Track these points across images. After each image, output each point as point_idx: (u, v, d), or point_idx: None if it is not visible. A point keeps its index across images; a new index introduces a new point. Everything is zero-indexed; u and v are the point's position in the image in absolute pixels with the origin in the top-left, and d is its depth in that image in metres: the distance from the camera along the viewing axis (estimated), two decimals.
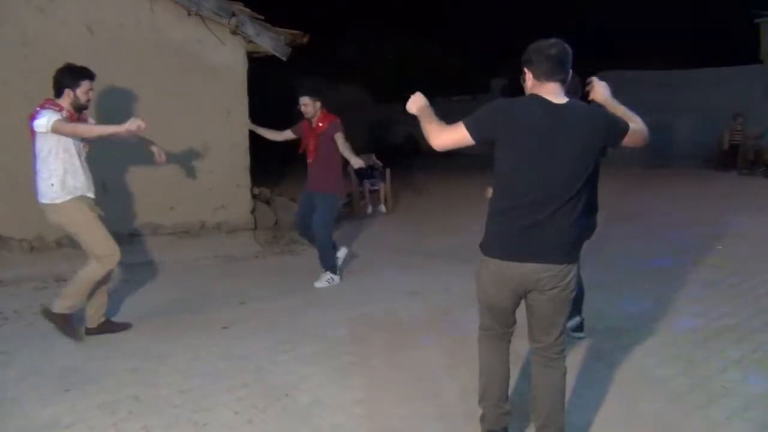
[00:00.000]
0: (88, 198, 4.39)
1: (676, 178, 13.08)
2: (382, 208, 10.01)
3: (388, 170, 10.27)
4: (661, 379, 3.63)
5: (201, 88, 7.06)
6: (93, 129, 4.33)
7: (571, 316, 4.00)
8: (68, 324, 4.35)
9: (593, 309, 4.87)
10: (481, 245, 2.72)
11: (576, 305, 4.25)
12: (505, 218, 2.61)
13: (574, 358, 3.94)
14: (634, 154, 15.67)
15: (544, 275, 2.58)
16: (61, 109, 4.17)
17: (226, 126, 7.22)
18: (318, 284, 5.72)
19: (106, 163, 6.66)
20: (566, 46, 2.60)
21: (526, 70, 2.66)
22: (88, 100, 4.38)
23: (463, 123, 2.60)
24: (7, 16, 6.23)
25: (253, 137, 7.19)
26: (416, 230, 8.29)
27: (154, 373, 3.83)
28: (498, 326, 2.81)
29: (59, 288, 5.66)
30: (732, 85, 15.30)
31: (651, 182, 12.79)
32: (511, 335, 2.86)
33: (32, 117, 4.14)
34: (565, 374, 2.77)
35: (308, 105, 5.64)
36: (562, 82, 2.60)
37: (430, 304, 5.14)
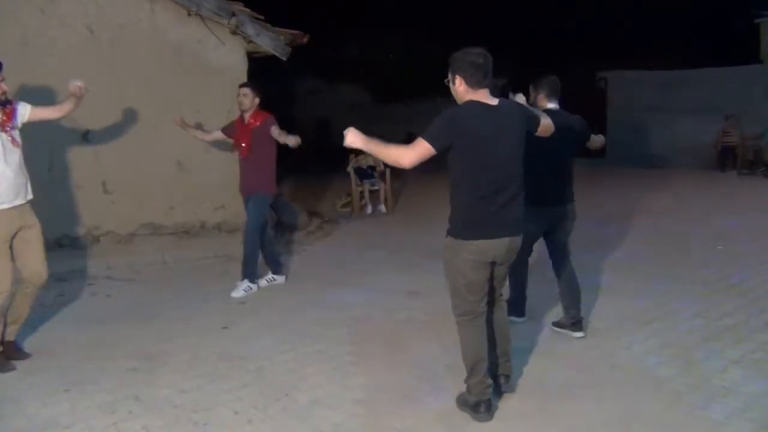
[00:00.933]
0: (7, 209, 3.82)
1: (676, 178, 13.06)
2: (382, 208, 10.00)
3: (388, 170, 10.27)
4: (661, 379, 3.63)
5: (201, 88, 7.06)
6: None
7: (567, 314, 4.28)
8: None
9: (593, 309, 4.87)
10: (455, 234, 3.22)
11: (575, 304, 4.33)
12: (476, 207, 3.11)
13: (575, 358, 3.94)
14: (634, 154, 15.63)
15: (512, 246, 3.20)
16: None
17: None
18: (235, 294, 5.39)
19: (105, 163, 6.70)
20: (489, 55, 3.10)
21: (458, 77, 3.13)
22: (3, 92, 3.85)
23: (424, 139, 3.05)
24: (7, 16, 6.23)
25: None
26: (416, 230, 8.29)
27: (154, 373, 3.83)
28: (476, 305, 3.24)
29: (59, 287, 5.70)
30: (732, 85, 15.26)
31: (651, 182, 12.78)
32: (485, 310, 3.30)
33: None
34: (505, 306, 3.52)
35: (247, 96, 5.47)
36: (489, 87, 3.12)
37: (430, 304, 5.13)
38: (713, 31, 19.50)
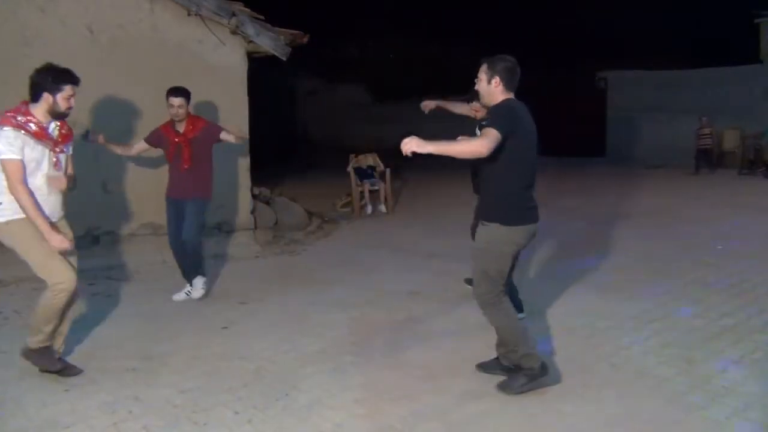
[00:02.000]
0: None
1: (676, 178, 13.08)
2: (382, 208, 10.00)
3: (388, 170, 10.27)
4: (661, 379, 3.63)
5: (201, 88, 7.05)
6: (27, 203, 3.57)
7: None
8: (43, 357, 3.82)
9: (593, 309, 4.87)
10: (504, 221, 3.42)
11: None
12: (522, 195, 3.48)
13: (575, 358, 3.94)
14: (634, 154, 15.66)
15: (534, 231, 3.52)
16: (25, 131, 3.61)
17: (225, 126, 7.21)
18: (195, 294, 5.37)
19: (106, 163, 6.70)
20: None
21: (497, 79, 3.46)
22: (69, 108, 3.80)
23: (493, 128, 3.24)
24: (7, 16, 6.23)
25: (253, 137, 7.19)
26: (416, 230, 8.29)
27: (154, 373, 3.83)
28: (503, 285, 3.52)
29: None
30: (732, 85, 15.29)
31: (651, 182, 12.79)
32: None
33: None
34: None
35: (182, 107, 5.15)
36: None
37: (430, 304, 5.14)
38: (713, 31, 19.50)
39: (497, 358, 3.69)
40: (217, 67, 7.18)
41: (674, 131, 15.72)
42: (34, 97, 3.74)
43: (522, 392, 3.42)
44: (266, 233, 7.79)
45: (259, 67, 7.79)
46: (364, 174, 10.15)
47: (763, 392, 3.42)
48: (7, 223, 3.62)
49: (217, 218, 7.29)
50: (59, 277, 3.63)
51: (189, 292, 5.40)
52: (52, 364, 3.79)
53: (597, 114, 17.24)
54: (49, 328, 3.73)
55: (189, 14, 6.95)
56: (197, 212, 5.30)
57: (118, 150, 5.50)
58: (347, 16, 22.02)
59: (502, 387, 3.48)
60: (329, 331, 4.51)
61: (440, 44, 22.87)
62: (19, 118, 3.64)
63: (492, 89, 3.49)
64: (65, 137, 3.87)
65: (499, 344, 3.62)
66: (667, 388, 3.50)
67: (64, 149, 3.88)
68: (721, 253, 6.64)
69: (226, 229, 7.33)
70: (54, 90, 3.71)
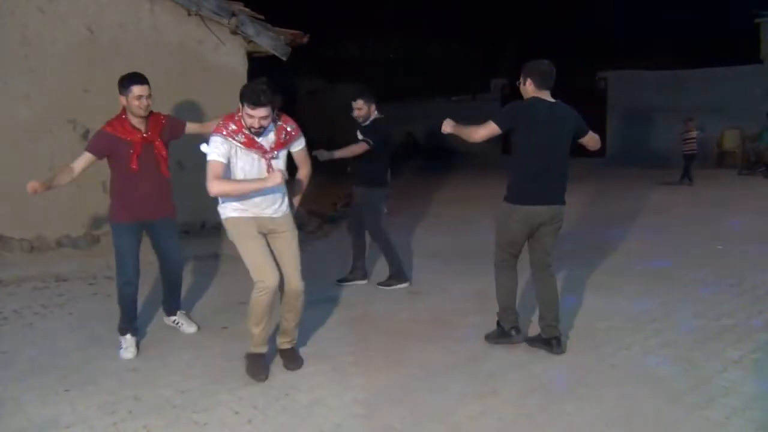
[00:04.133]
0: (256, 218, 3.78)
1: (676, 178, 13.06)
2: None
3: (388, 170, 10.25)
4: (661, 379, 3.63)
5: (201, 88, 7.06)
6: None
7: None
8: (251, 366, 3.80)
9: (593, 309, 4.87)
10: (509, 199, 3.99)
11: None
12: (526, 180, 3.93)
13: (575, 358, 3.95)
14: (634, 154, 15.66)
15: (553, 213, 3.96)
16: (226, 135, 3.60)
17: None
18: (191, 329, 4.55)
19: (106, 163, 6.69)
20: (553, 66, 3.98)
21: (529, 80, 3.96)
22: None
23: (493, 120, 3.92)
24: (7, 16, 6.23)
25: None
26: (416, 230, 8.29)
27: (154, 373, 3.83)
28: (511, 257, 4.09)
29: (59, 287, 5.70)
30: (732, 85, 15.28)
31: (650, 182, 12.79)
32: (516, 263, 4.14)
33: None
34: (555, 276, 4.17)
35: (150, 96, 4.08)
36: (551, 89, 3.98)
37: (430, 304, 5.14)
38: (713, 31, 19.51)
39: (539, 334, 4.15)
40: (217, 67, 7.18)
41: (674, 131, 15.71)
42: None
43: (491, 343, 4.15)
44: None
45: (259, 67, 7.79)
46: None
47: (763, 392, 3.42)
48: (225, 220, 3.89)
49: (218, 218, 7.25)
50: (260, 275, 3.68)
51: (179, 324, 4.58)
52: (256, 374, 3.73)
53: (597, 114, 17.25)
54: (257, 330, 3.76)
55: (189, 14, 6.95)
56: (174, 232, 4.41)
57: (63, 181, 4.10)
58: (347, 16, 22.02)
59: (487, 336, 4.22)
60: (329, 331, 4.51)
61: (440, 44, 22.89)
62: None
63: (526, 90, 4.00)
64: (286, 141, 3.82)
65: (540, 318, 4.12)
66: (667, 388, 3.50)
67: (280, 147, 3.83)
68: (721, 253, 6.64)
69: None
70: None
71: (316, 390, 3.57)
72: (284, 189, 3.88)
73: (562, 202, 4.02)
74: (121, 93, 4.08)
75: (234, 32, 7.13)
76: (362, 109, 5.47)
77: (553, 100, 3.98)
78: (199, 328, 4.60)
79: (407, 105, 20.25)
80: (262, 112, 3.53)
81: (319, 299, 5.31)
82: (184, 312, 4.70)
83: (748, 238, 7.27)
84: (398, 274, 5.65)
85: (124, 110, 4.12)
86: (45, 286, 5.76)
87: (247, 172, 3.71)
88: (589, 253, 6.70)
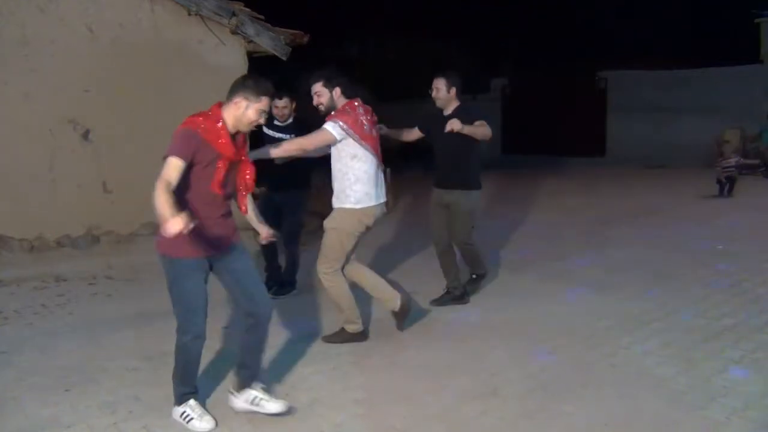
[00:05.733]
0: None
1: (676, 178, 13.07)
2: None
3: (388, 170, 10.25)
4: (661, 379, 3.63)
5: (201, 88, 7.05)
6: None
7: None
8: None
9: (593, 309, 4.87)
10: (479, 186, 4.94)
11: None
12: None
13: (575, 358, 3.94)
14: (634, 154, 15.55)
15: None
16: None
17: None
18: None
19: (105, 163, 6.70)
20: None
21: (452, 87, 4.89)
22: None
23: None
24: (7, 16, 6.23)
25: (253, 137, 7.16)
26: (416, 230, 8.28)
27: (154, 373, 3.83)
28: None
29: (59, 287, 5.70)
30: (732, 85, 15.28)
31: (650, 182, 12.79)
32: None
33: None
34: None
35: (286, 107, 4.59)
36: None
37: (429, 304, 5.13)
38: (713, 31, 19.51)
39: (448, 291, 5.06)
40: (217, 67, 7.17)
41: (674, 131, 15.70)
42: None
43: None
44: None
45: (259, 67, 7.78)
46: None
47: (763, 392, 3.42)
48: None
49: None
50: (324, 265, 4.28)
51: (258, 401, 3.27)
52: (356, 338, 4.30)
53: (597, 114, 17.25)
54: (345, 309, 4.32)
55: (189, 14, 6.95)
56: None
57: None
58: (347, 16, 22.02)
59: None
60: (329, 331, 4.50)
61: (440, 44, 22.88)
62: None
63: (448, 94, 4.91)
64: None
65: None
66: (667, 388, 3.50)
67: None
68: (721, 253, 6.64)
69: None
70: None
71: (316, 390, 3.57)
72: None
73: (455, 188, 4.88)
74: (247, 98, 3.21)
75: (234, 32, 7.13)
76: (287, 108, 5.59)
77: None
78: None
79: (407, 105, 20.24)
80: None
81: (319, 300, 5.31)
82: (262, 385, 3.33)
83: (747, 238, 7.27)
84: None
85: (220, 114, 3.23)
86: (45, 286, 5.76)
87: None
88: (589, 252, 6.70)
